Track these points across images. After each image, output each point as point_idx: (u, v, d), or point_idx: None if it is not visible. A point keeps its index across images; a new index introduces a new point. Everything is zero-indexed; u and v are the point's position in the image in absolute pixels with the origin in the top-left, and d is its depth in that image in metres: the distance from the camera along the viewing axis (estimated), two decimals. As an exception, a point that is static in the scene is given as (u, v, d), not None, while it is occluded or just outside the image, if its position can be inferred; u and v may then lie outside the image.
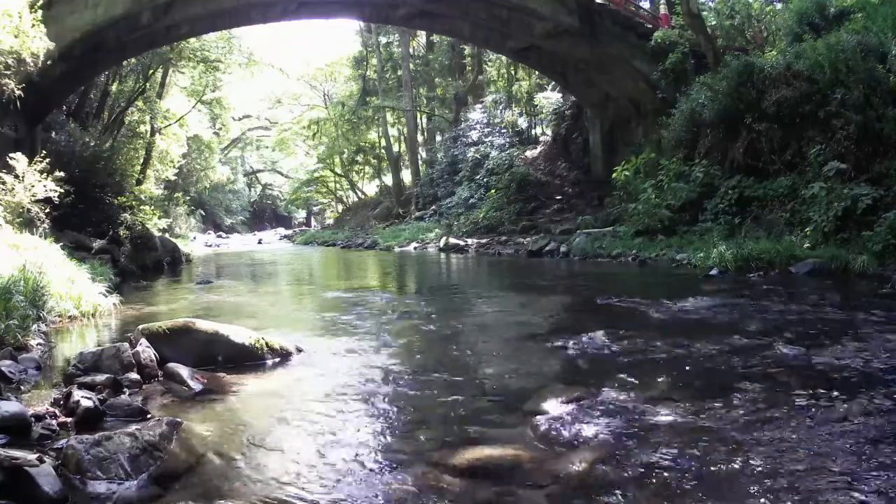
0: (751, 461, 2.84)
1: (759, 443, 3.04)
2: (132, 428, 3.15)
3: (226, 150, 56.56)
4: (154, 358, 4.60)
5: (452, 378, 4.54)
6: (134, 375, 4.35)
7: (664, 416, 3.47)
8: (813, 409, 3.47)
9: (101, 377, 4.16)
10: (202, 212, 50.96)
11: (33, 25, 12.48)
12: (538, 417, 3.50)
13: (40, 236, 10.09)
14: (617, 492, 2.63)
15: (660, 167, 16.50)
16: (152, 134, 29.28)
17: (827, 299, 7.19)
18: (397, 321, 7.17)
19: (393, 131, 44.81)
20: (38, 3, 12.95)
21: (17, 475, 2.54)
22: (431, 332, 6.64)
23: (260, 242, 43.05)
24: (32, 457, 2.66)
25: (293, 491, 2.70)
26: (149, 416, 3.60)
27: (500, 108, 33.83)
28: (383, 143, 44.75)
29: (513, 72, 35.00)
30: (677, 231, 14.41)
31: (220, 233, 52.70)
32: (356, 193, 53.19)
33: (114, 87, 25.17)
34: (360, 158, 50.47)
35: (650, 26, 20.13)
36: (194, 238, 36.33)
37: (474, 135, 32.57)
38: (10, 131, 13.88)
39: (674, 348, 5.04)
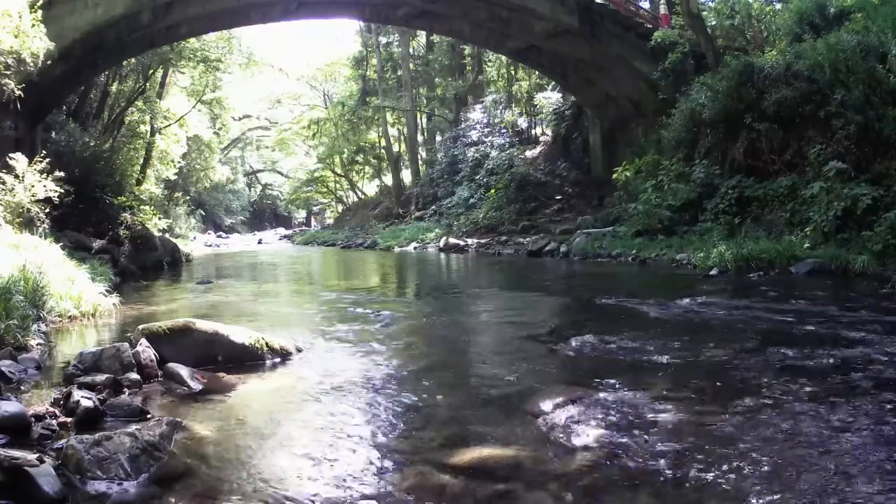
0: (751, 461, 2.84)
1: (759, 443, 3.04)
2: (132, 428, 3.15)
3: (226, 150, 56.49)
4: (154, 358, 4.60)
5: (452, 378, 4.54)
6: (134, 375, 4.34)
7: (664, 415, 3.47)
8: (813, 410, 3.46)
9: (101, 377, 4.15)
10: (202, 212, 50.87)
11: (33, 25, 12.48)
12: (538, 417, 3.50)
13: (40, 236, 10.08)
14: (617, 492, 2.63)
15: (660, 167, 16.49)
16: (152, 134, 29.24)
17: (827, 299, 7.19)
18: (397, 321, 7.17)
19: (393, 131, 44.77)
20: (38, 3, 12.94)
21: (17, 475, 2.53)
22: (431, 332, 6.64)
23: (260, 242, 43.03)
24: (32, 457, 2.66)
25: (293, 491, 2.70)
26: (149, 416, 3.60)
27: (500, 108, 33.80)
28: (383, 143, 44.72)
29: (513, 72, 34.97)
30: (677, 231, 14.40)
31: (220, 233, 52.66)
32: (356, 193, 53.16)
33: (114, 87, 25.14)
34: (360, 158, 50.44)
35: (650, 26, 20.11)
36: (194, 238, 36.26)
37: (474, 135, 32.55)
38: (10, 131, 13.87)
39: (673, 348, 5.04)
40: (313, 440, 3.31)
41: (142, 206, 20.08)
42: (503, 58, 32.04)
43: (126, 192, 19.16)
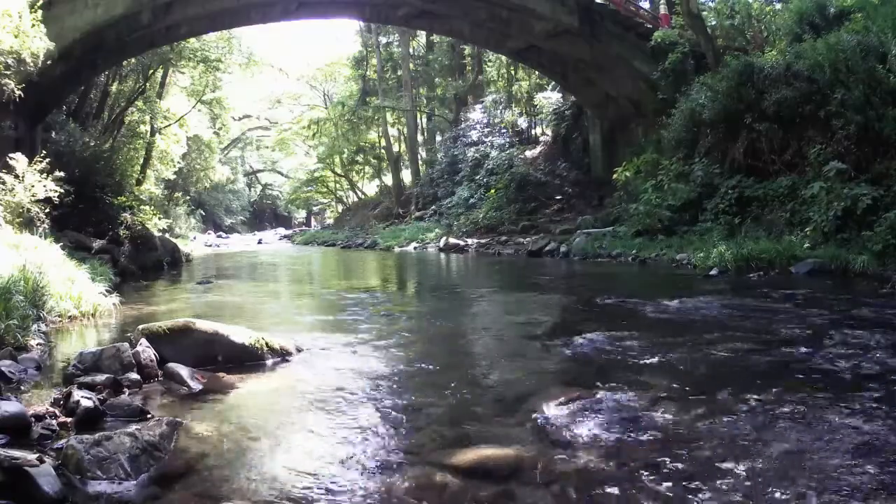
0: (751, 461, 2.84)
1: (759, 442, 3.04)
2: (132, 428, 3.15)
3: (226, 150, 56.50)
4: (154, 358, 4.60)
5: (452, 378, 4.54)
6: (134, 375, 4.34)
7: (664, 416, 3.47)
8: (813, 409, 3.46)
9: (101, 377, 4.15)
10: (202, 212, 50.85)
11: (33, 25, 12.48)
12: (538, 417, 3.50)
13: (40, 236, 10.07)
14: (616, 492, 2.63)
15: (660, 167, 16.50)
16: (152, 134, 29.26)
17: (827, 299, 7.19)
18: (397, 321, 7.17)
19: (393, 131, 44.78)
20: (38, 3, 12.94)
21: (17, 475, 2.53)
22: (431, 333, 6.64)
23: (260, 242, 43.02)
24: (32, 457, 2.66)
25: (293, 491, 2.70)
26: (149, 416, 3.59)
27: (500, 108, 33.81)
28: (383, 143, 44.74)
29: (513, 72, 34.97)
30: (677, 231, 14.41)
31: (220, 233, 52.66)
32: (356, 193, 53.18)
33: (114, 87, 25.15)
34: (360, 158, 50.46)
35: (650, 26, 20.13)
36: (194, 238, 36.24)
37: (474, 135, 32.56)
38: (10, 131, 13.87)
39: (674, 348, 5.04)
40: (313, 440, 3.30)
41: (142, 206, 20.07)
42: (503, 58, 32.05)
43: (126, 192, 19.15)
